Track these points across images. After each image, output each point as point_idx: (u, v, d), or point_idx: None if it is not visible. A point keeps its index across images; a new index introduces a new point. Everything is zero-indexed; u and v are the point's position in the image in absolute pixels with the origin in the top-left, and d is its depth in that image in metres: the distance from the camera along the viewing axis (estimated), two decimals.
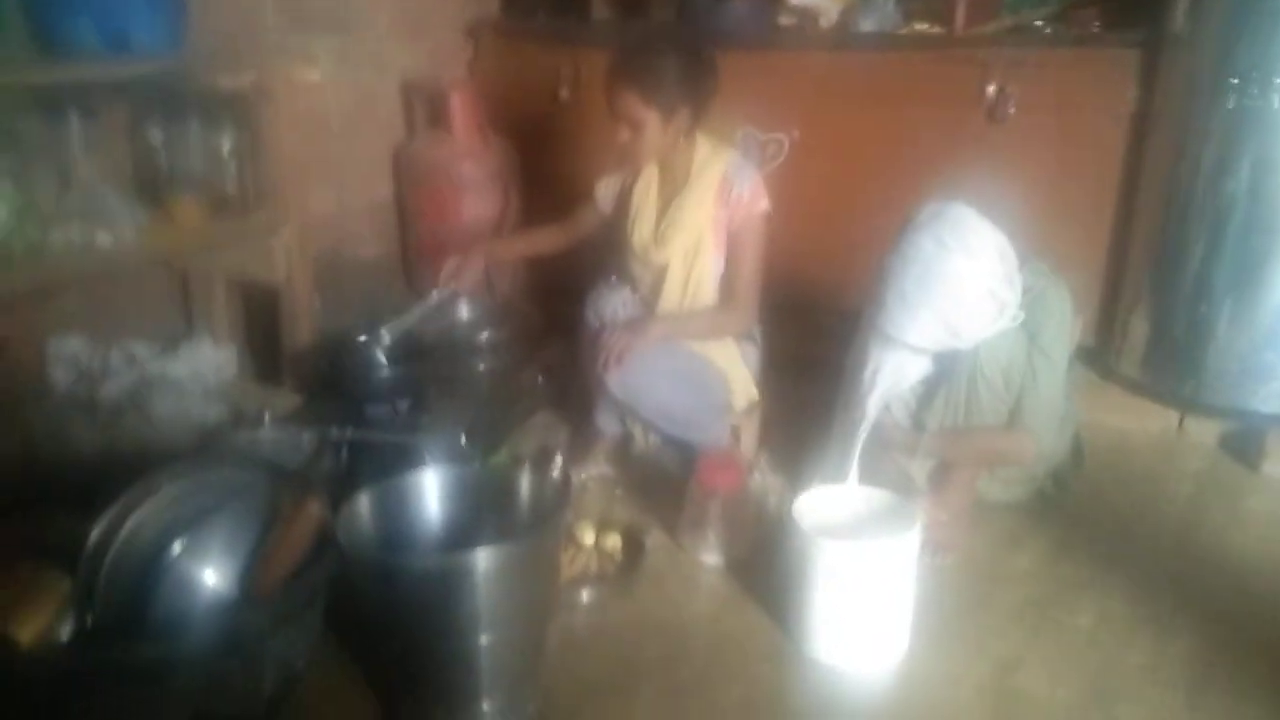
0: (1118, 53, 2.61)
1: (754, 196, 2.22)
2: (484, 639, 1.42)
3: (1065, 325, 2.04)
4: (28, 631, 1.39)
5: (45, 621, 1.42)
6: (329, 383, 2.29)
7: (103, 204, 2.05)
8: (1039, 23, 2.80)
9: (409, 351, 2.32)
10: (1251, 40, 2.31)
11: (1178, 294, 2.55)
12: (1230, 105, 2.34)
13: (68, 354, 2.19)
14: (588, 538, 2.03)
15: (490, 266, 2.71)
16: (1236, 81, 2.32)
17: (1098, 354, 2.76)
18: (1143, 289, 2.64)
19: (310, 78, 2.58)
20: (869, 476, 1.94)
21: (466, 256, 2.40)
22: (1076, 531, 2.13)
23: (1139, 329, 2.65)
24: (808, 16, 3.01)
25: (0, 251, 1.84)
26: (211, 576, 1.50)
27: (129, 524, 1.46)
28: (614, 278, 2.40)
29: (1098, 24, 2.74)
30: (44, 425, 2.03)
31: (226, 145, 2.28)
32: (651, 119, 2.13)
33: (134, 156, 2.32)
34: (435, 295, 2.34)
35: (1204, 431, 2.56)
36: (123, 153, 2.31)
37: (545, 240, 2.55)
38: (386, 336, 2.21)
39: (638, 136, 2.16)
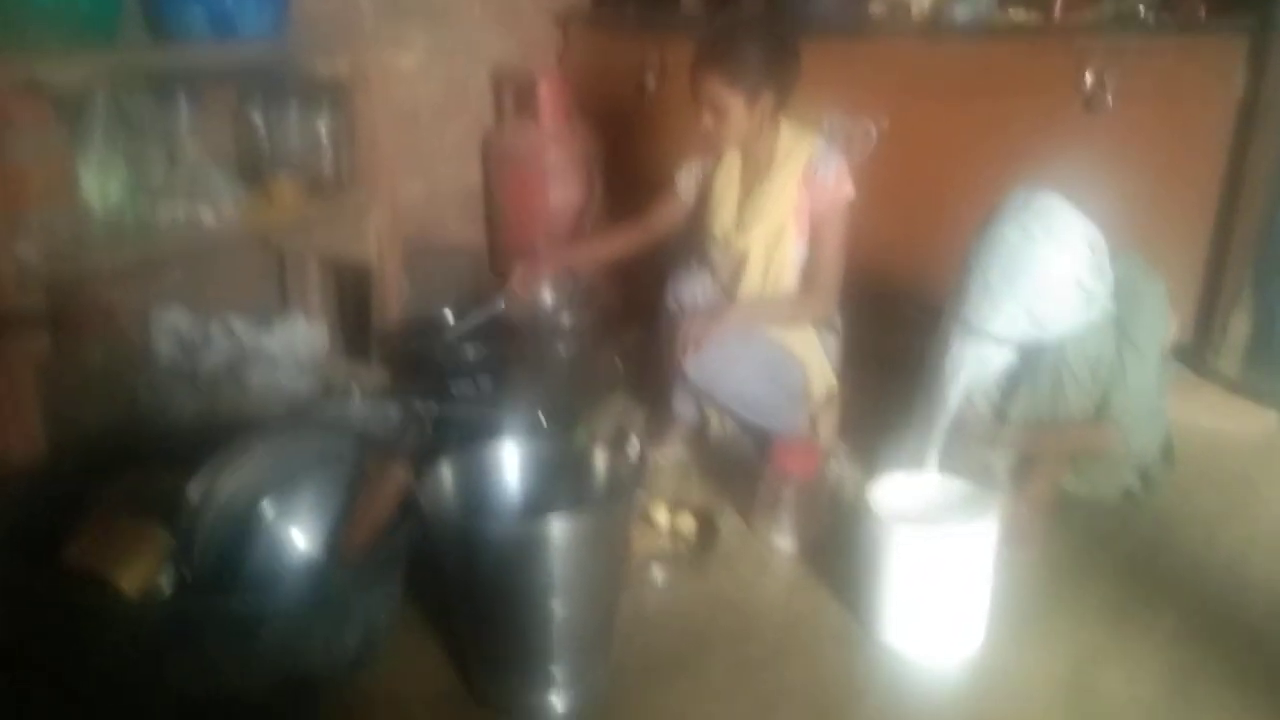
0: (1224, 40, 2.51)
1: (839, 182, 2.21)
2: (556, 607, 1.45)
3: (1158, 320, 1.98)
4: (132, 582, 1.48)
5: (148, 573, 1.50)
6: (415, 360, 2.36)
7: (207, 182, 2.15)
8: (1141, 9, 2.71)
9: (493, 331, 2.38)
10: None
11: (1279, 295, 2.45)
12: None
13: (170, 325, 2.29)
14: (661, 517, 2.05)
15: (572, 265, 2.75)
16: None
17: (1195, 351, 2.66)
18: (1244, 286, 2.55)
19: (404, 64, 2.66)
20: (949, 467, 1.91)
21: (536, 264, 2.42)
22: (1164, 533, 2.07)
23: (1239, 327, 2.56)
24: (899, 5, 2.97)
25: (112, 226, 1.94)
26: (301, 537, 1.58)
27: (225, 485, 1.53)
28: (694, 263, 2.41)
29: (1203, 10, 2.64)
30: (148, 392, 2.13)
31: (323, 128, 2.36)
32: (736, 103, 2.14)
33: (236, 137, 2.42)
34: (500, 303, 2.39)
35: None
36: (226, 134, 2.41)
37: (622, 242, 2.51)
38: (472, 322, 2.28)
39: (722, 121, 2.16)
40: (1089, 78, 2.59)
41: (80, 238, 1.86)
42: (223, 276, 2.49)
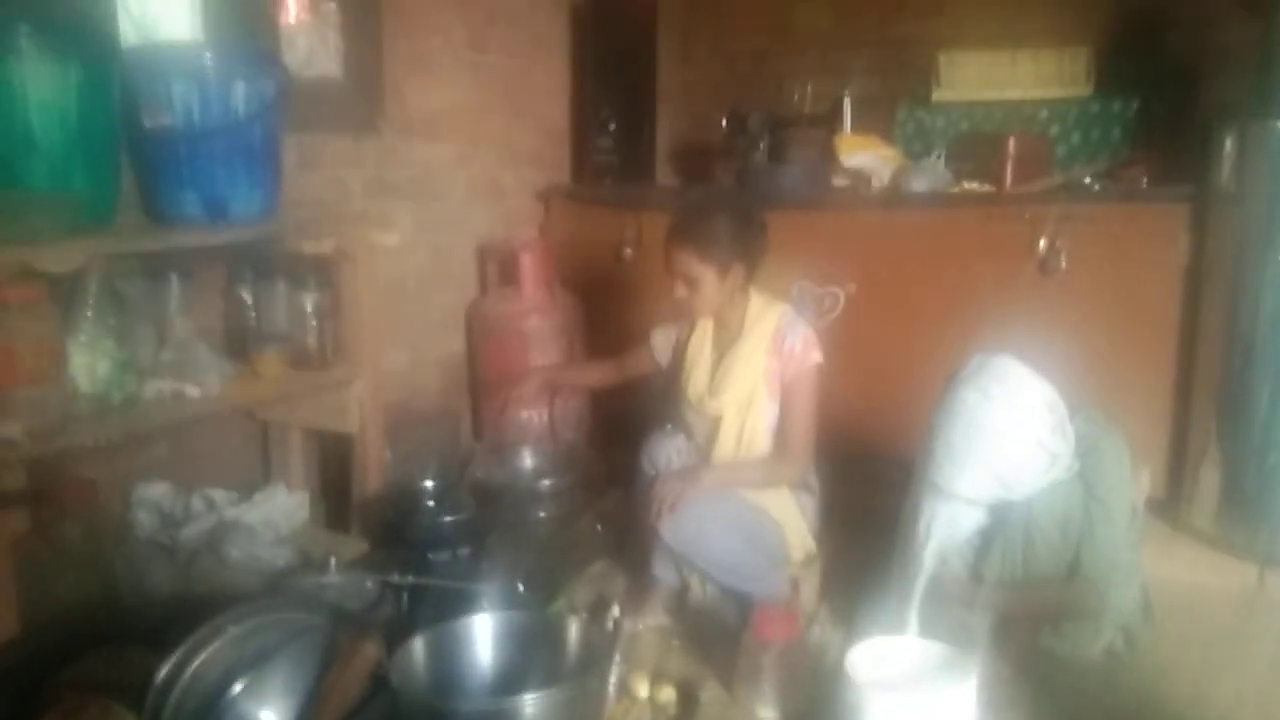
0: (1167, 208, 2.66)
1: (806, 349, 2.29)
2: None
3: (1123, 475, 2.02)
4: None
5: None
6: (395, 530, 2.37)
7: (194, 359, 2.20)
8: (1087, 179, 2.88)
9: (473, 499, 2.40)
10: None
11: (1246, 444, 2.50)
12: None
13: (152, 499, 2.30)
14: (642, 690, 2.01)
15: (554, 413, 2.83)
16: None
17: (1168, 506, 2.70)
18: (1210, 439, 2.61)
19: (389, 241, 2.77)
20: (929, 629, 1.91)
21: (527, 380, 2.60)
22: (1150, 692, 2.04)
23: (1209, 480, 2.60)
24: (860, 178, 3.15)
25: (98, 403, 1.98)
26: (270, 716, 1.55)
27: (194, 664, 1.52)
28: (669, 426, 2.46)
29: (1145, 180, 2.81)
30: (125, 567, 2.12)
31: (310, 303, 2.44)
32: (708, 275, 2.24)
33: (225, 313, 2.50)
34: (492, 440, 2.45)
35: None
36: (215, 310, 2.49)
37: (599, 374, 2.73)
38: (455, 487, 2.32)
39: (695, 292, 2.26)
40: (1042, 243, 2.73)
41: (66, 416, 1.90)
42: (206, 449, 2.52)
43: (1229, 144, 2.50)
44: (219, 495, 2.39)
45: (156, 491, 2.32)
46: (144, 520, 2.28)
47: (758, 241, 2.31)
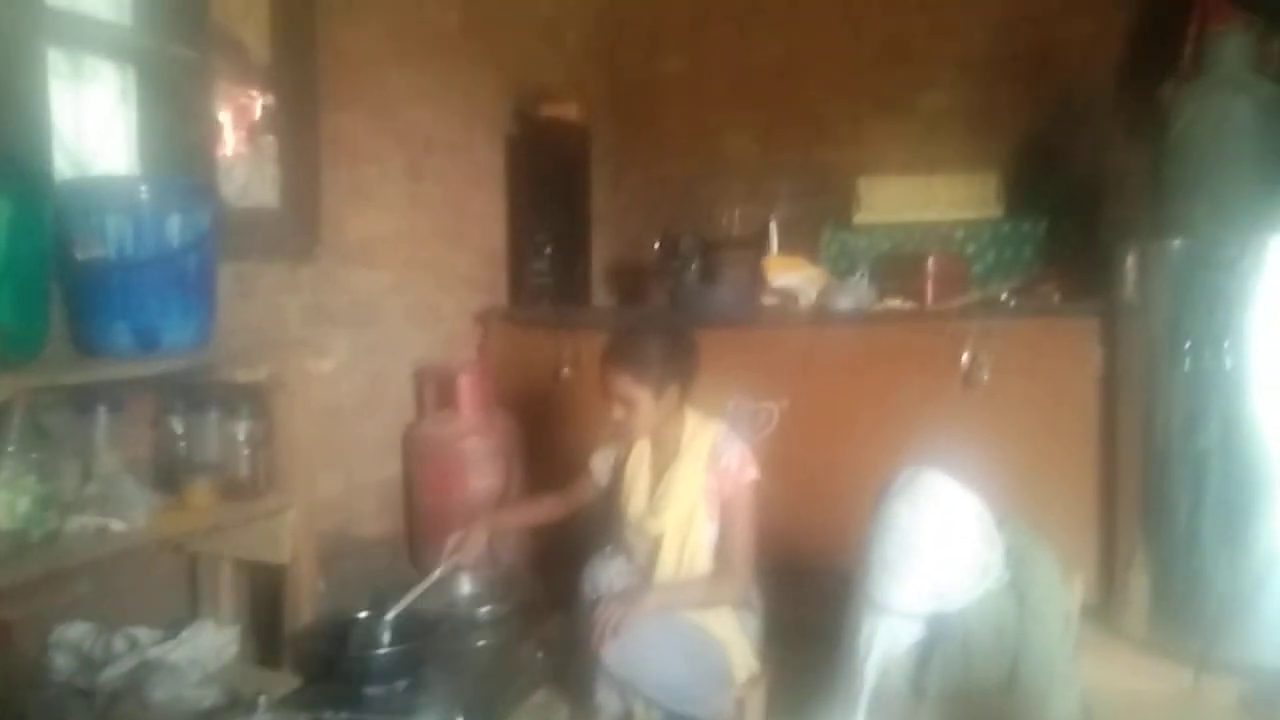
0: (1079, 322, 2.80)
1: (741, 466, 2.32)
2: None
3: (1053, 583, 2.05)
4: None
5: None
6: (329, 663, 2.29)
7: (120, 492, 2.15)
8: (1004, 296, 3.02)
9: (409, 629, 2.34)
10: (1195, 307, 2.49)
11: (1172, 548, 2.57)
12: (1187, 368, 2.49)
13: (71, 640, 2.20)
14: None
15: (493, 538, 2.78)
16: (1190, 345, 2.48)
17: (1100, 612, 2.74)
18: (1137, 544, 2.68)
19: (325, 368, 2.77)
20: None
21: (470, 530, 2.49)
22: None
23: (1139, 585, 2.66)
24: (789, 297, 3.26)
25: (17, 540, 1.91)
26: None
27: None
28: (609, 548, 2.45)
29: (1058, 295, 2.95)
30: (40, 714, 2.02)
31: (242, 432, 2.41)
32: (644, 397, 2.28)
33: (155, 444, 2.45)
34: (438, 571, 2.40)
35: (1222, 690, 2.49)
36: (145, 441, 2.44)
37: (544, 510, 2.65)
38: (389, 616, 2.26)
39: (632, 413, 2.30)
40: (965, 357, 2.84)
41: None
42: (131, 585, 2.43)
43: (1130, 262, 2.65)
44: (142, 634, 2.29)
45: (76, 632, 2.22)
46: (61, 663, 2.17)
47: (690, 361, 2.36)
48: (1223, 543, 2.48)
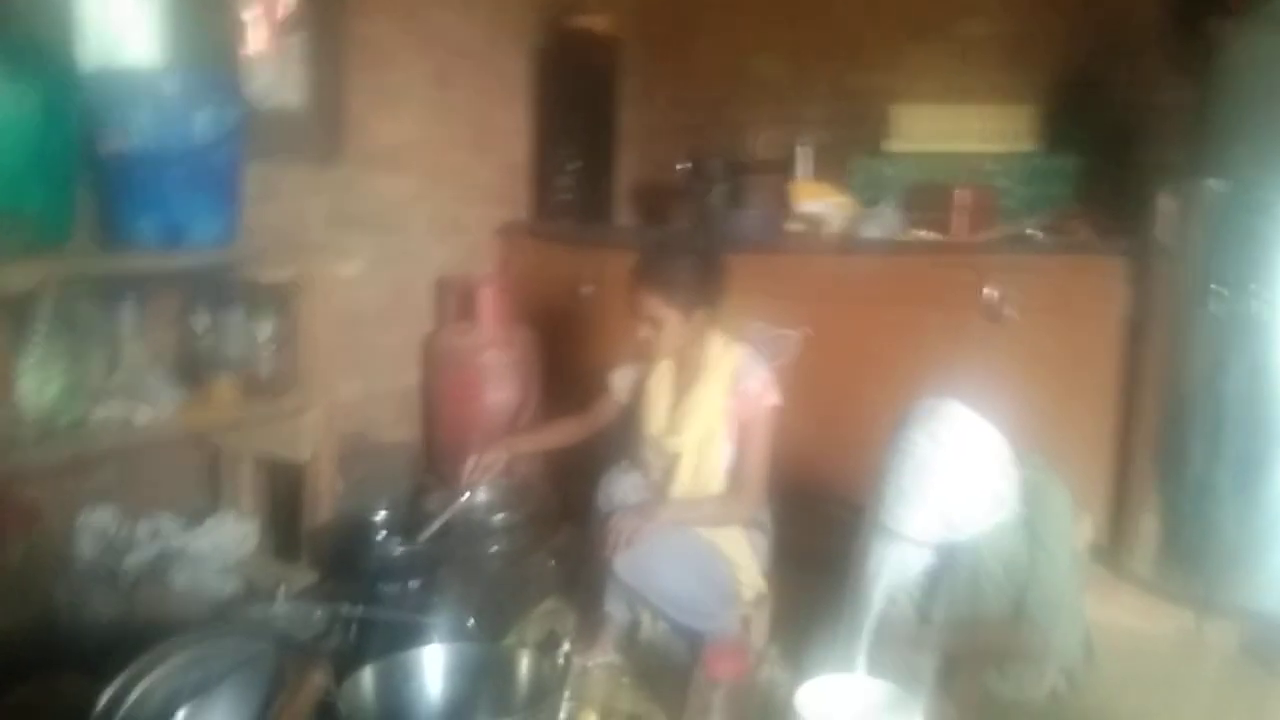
0: (1108, 260, 2.75)
1: (763, 390, 2.33)
2: None
3: (1064, 519, 2.07)
4: None
5: None
6: (345, 560, 2.34)
7: (146, 383, 2.18)
8: (1032, 231, 2.97)
9: (424, 530, 2.39)
10: (1226, 250, 2.45)
11: (1184, 494, 2.58)
12: (1215, 311, 2.46)
13: (96, 525, 2.26)
14: None
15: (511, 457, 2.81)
16: (1219, 289, 2.45)
17: (1109, 552, 2.76)
18: (1150, 488, 2.68)
19: (348, 271, 2.78)
20: (876, 669, 1.93)
21: (487, 452, 2.51)
22: None
23: (1149, 528, 2.66)
24: (814, 223, 3.22)
25: (45, 425, 1.95)
26: None
27: (136, 690, 1.49)
28: (625, 463, 2.48)
29: (1088, 233, 2.91)
30: (65, 594, 2.08)
31: (265, 332, 2.43)
32: (672, 317, 2.28)
33: (179, 339, 2.48)
34: (463, 497, 2.44)
35: (1223, 633, 2.52)
36: (169, 335, 2.47)
37: (562, 433, 2.66)
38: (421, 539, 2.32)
39: (659, 333, 2.29)
40: (989, 292, 2.81)
41: (12, 437, 1.87)
42: (156, 475, 2.48)
43: (1165, 202, 2.61)
44: (166, 522, 2.35)
45: (101, 517, 2.28)
46: (87, 546, 2.23)
47: (719, 284, 2.35)
48: (1236, 490, 2.48)
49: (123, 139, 2.12)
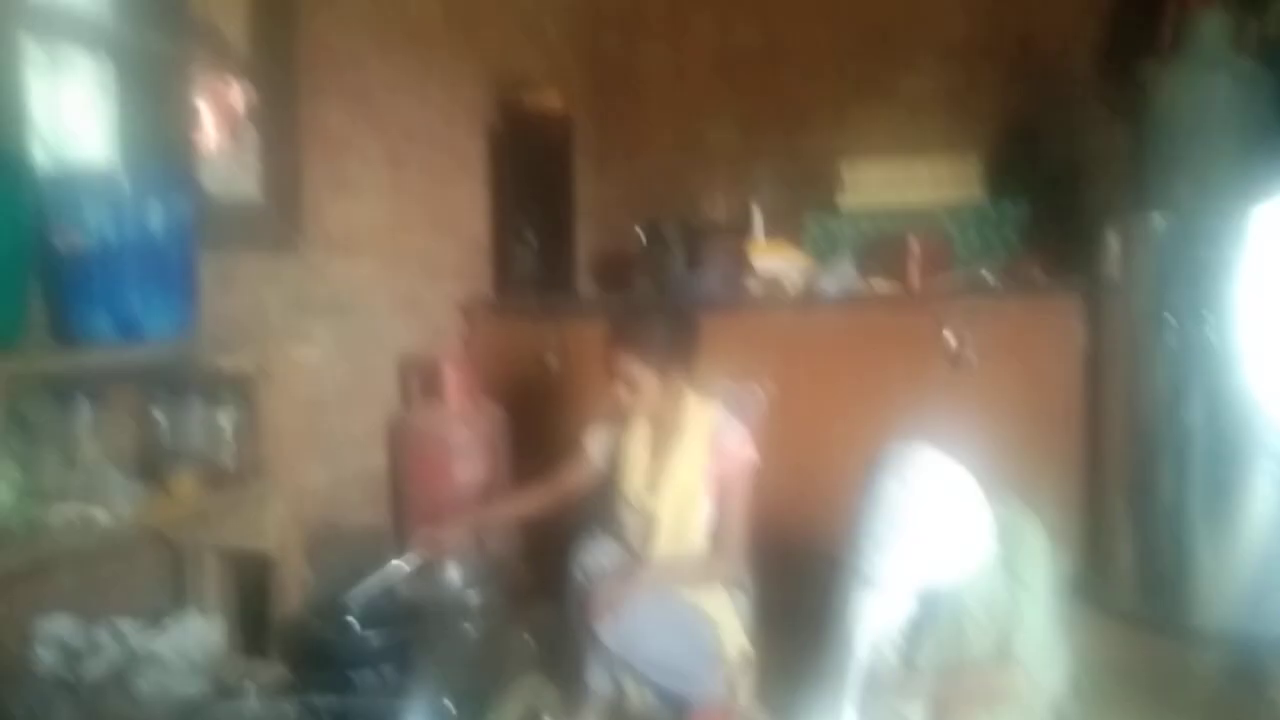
0: (1061, 298, 2.81)
1: (742, 447, 2.33)
2: None
3: (1042, 556, 2.06)
4: None
5: None
6: (316, 652, 2.28)
7: (103, 482, 2.12)
8: (986, 275, 3.02)
9: (397, 615, 2.33)
10: (1177, 282, 2.50)
11: (1156, 522, 2.59)
12: (1170, 341, 2.50)
13: (54, 633, 2.18)
14: None
15: (478, 531, 2.77)
16: (1172, 320, 2.49)
17: (1088, 585, 2.75)
18: (1122, 519, 2.69)
19: (309, 358, 2.75)
20: None
21: (440, 529, 2.48)
22: None
23: (1124, 559, 2.67)
24: (774, 282, 3.26)
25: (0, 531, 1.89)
26: None
27: None
28: (598, 532, 2.45)
29: (1041, 275, 2.96)
30: (23, 708, 1.99)
31: (226, 422, 2.39)
32: (648, 378, 2.28)
33: (138, 434, 2.43)
34: (405, 562, 2.39)
35: (1206, 659, 2.51)
36: (127, 431, 2.42)
37: (532, 501, 2.57)
38: (354, 603, 2.27)
39: (636, 394, 2.29)
40: (950, 336, 2.84)
41: None
42: (116, 577, 2.41)
43: (1112, 238, 2.67)
44: (127, 626, 2.27)
45: (59, 625, 2.20)
46: (45, 657, 2.15)
47: (693, 341, 2.38)
48: (1207, 516, 2.50)
49: (76, 236, 2.10)
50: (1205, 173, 2.62)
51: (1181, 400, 2.51)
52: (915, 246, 3.09)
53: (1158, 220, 2.57)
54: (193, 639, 2.32)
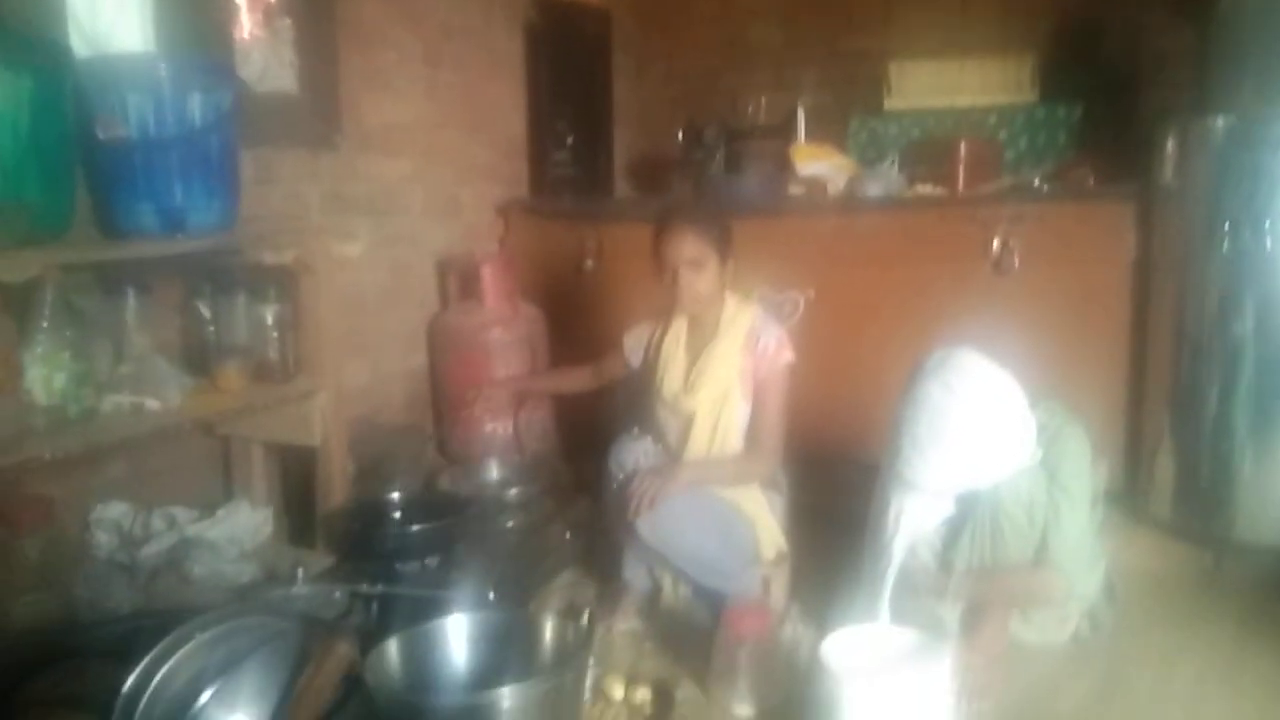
0: (1113, 206, 2.73)
1: (779, 349, 2.32)
2: None
3: (1083, 462, 2.06)
4: None
5: None
6: (361, 542, 2.34)
7: (152, 372, 2.17)
8: (1036, 181, 2.95)
9: (440, 509, 2.38)
10: (1236, 188, 2.42)
11: (1199, 434, 2.56)
12: (1225, 250, 2.44)
13: (111, 518, 2.26)
14: (617, 692, 2.01)
15: (520, 425, 2.82)
16: (1229, 227, 2.43)
17: (1126, 496, 2.75)
18: (1164, 431, 2.66)
19: (350, 251, 2.76)
20: (899, 621, 1.92)
21: (501, 386, 2.69)
22: (1117, 674, 2.08)
23: (1165, 470, 2.65)
24: (816, 185, 3.19)
25: (55, 416, 1.94)
26: None
27: (161, 671, 1.48)
28: (635, 429, 2.47)
29: (1092, 179, 2.88)
30: (85, 588, 2.07)
31: (270, 316, 2.41)
32: (713, 258, 2.27)
33: (184, 327, 2.46)
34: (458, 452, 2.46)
35: (1242, 570, 2.51)
36: (173, 324, 2.45)
37: (572, 380, 2.78)
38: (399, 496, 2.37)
39: (699, 275, 2.27)
40: (995, 243, 2.79)
41: (22, 429, 1.86)
42: (167, 466, 2.48)
43: (1170, 142, 2.58)
44: (180, 513, 2.34)
45: (115, 511, 2.28)
46: (103, 539, 2.23)
47: (733, 239, 2.35)
48: (1252, 428, 2.47)
49: (118, 126, 2.10)
50: (1270, 75, 2.51)
51: (1233, 311, 2.45)
52: (963, 149, 3.01)
53: (1219, 123, 2.48)
54: (243, 527, 2.39)
